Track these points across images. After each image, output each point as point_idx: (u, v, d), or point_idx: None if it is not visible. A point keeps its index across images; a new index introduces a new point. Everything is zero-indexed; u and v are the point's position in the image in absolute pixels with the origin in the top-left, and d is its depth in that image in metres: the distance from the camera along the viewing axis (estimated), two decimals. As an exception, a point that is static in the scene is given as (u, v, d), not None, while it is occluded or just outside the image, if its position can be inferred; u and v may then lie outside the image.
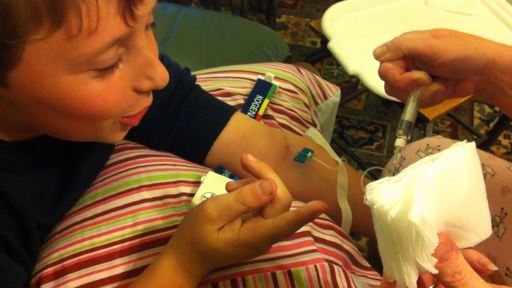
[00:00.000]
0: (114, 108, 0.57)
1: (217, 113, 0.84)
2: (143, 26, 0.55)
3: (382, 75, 0.65)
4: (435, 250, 0.41)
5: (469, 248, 0.47)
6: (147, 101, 0.61)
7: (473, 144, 0.45)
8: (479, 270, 0.45)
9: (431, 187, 0.41)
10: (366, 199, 0.42)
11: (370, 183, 0.42)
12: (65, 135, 0.61)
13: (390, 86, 0.66)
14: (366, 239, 1.65)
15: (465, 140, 0.45)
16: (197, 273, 0.64)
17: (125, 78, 0.56)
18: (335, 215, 0.89)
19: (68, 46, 0.49)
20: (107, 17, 0.49)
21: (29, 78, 0.51)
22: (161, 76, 0.58)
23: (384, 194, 0.41)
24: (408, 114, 0.63)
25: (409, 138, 0.63)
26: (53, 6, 0.46)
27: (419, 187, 0.41)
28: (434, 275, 0.43)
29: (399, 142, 0.62)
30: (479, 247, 0.48)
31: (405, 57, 0.64)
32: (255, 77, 1.00)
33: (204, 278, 0.68)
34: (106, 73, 0.54)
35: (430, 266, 0.41)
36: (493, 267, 0.46)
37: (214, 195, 0.72)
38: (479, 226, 0.46)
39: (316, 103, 1.10)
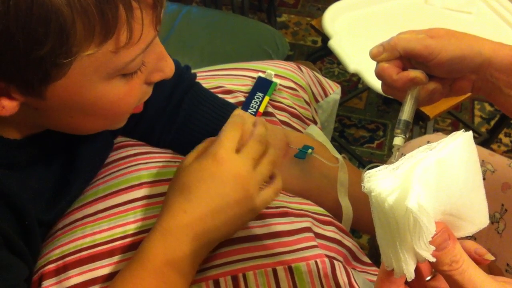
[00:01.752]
0: (133, 104, 0.62)
1: (217, 110, 0.84)
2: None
3: (379, 75, 0.66)
4: (432, 238, 0.42)
5: (466, 238, 0.47)
6: (151, 89, 0.65)
7: (470, 133, 0.45)
8: (477, 261, 0.45)
9: (429, 175, 0.41)
10: (364, 186, 0.42)
11: (368, 171, 0.42)
12: (82, 131, 0.65)
13: (387, 85, 0.67)
14: (367, 237, 1.65)
15: (463, 130, 0.45)
16: (177, 231, 0.65)
17: (142, 75, 0.60)
18: (336, 212, 0.89)
19: (111, 57, 0.51)
20: (146, 27, 0.52)
21: (67, 89, 0.53)
22: (170, 67, 0.63)
23: (382, 182, 0.41)
24: (406, 113, 0.64)
25: (407, 136, 0.63)
26: (107, 23, 0.48)
27: (416, 174, 0.41)
28: (431, 264, 0.44)
29: (397, 140, 0.62)
30: (479, 243, 0.48)
31: (402, 57, 0.64)
32: (255, 74, 1.00)
33: (196, 257, 0.67)
34: (130, 75, 0.57)
35: (427, 254, 0.42)
36: (490, 257, 0.46)
37: None
38: (476, 216, 0.46)
39: (317, 101, 1.11)
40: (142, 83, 0.61)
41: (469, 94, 0.69)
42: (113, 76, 0.55)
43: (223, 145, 0.67)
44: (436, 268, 0.44)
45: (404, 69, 0.65)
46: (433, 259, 0.42)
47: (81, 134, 0.67)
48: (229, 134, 0.68)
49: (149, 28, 0.53)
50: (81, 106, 0.56)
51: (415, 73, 0.63)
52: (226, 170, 0.65)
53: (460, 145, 0.44)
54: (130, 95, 0.59)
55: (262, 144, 0.69)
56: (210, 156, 0.66)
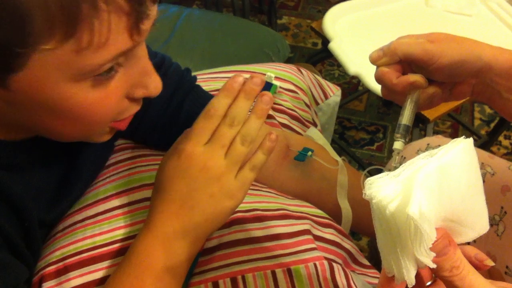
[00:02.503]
0: (108, 115, 0.59)
1: (217, 113, 0.84)
2: (145, 38, 0.56)
3: (379, 79, 0.66)
4: (433, 244, 0.42)
5: (467, 244, 0.47)
6: (137, 107, 0.63)
7: (471, 140, 0.45)
8: (477, 266, 0.45)
9: (430, 182, 0.42)
10: (365, 193, 0.42)
11: (369, 178, 0.42)
12: (56, 136, 0.62)
13: (387, 89, 0.67)
14: (367, 240, 1.65)
15: (463, 136, 0.45)
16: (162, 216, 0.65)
17: (121, 86, 0.57)
18: (335, 214, 0.89)
19: (74, 57, 0.49)
20: (116, 33, 0.50)
21: (30, 83, 0.51)
22: (155, 85, 0.60)
23: (383, 188, 0.41)
24: (406, 117, 0.64)
25: (407, 140, 0.63)
26: (68, 19, 0.47)
27: (417, 181, 0.41)
28: (432, 270, 0.44)
29: (397, 145, 0.62)
30: (479, 245, 0.48)
31: (401, 61, 0.65)
32: (256, 77, 1.01)
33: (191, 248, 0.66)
34: (105, 82, 0.55)
35: (428, 260, 0.42)
36: (490, 263, 0.46)
37: None
38: (477, 222, 0.47)
39: (317, 103, 1.11)
40: (122, 96, 0.59)
41: (466, 98, 0.70)
42: (80, 78, 0.53)
43: (190, 139, 0.65)
44: (436, 274, 0.44)
45: (404, 73, 0.65)
46: (433, 266, 0.42)
47: (60, 140, 0.64)
48: (198, 127, 0.65)
49: (122, 35, 0.51)
50: (48, 106, 0.54)
51: (414, 77, 0.63)
52: (194, 165, 0.64)
53: (461, 152, 0.44)
54: (103, 104, 0.56)
55: (233, 126, 0.65)
56: (177, 153, 0.65)
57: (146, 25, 0.53)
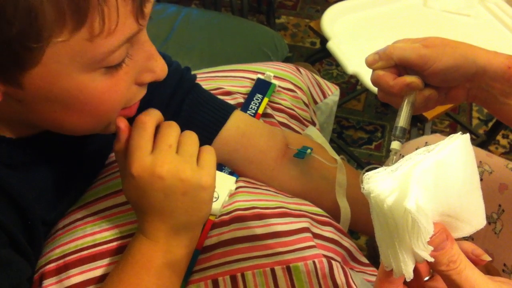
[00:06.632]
0: (119, 102, 0.59)
1: (217, 111, 0.84)
2: (146, 22, 0.56)
3: (375, 82, 0.66)
4: (430, 238, 0.42)
5: (465, 240, 0.48)
6: (144, 91, 0.63)
7: (467, 136, 0.46)
8: (474, 261, 0.46)
9: (427, 177, 0.42)
10: (363, 188, 0.43)
11: (367, 173, 0.43)
12: (70, 130, 0.61)
13: (384, 92, 0.67)
14: (365, 239, 1.66)
15: (460, 132, 0.46)
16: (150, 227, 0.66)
17: (130, 73, 0.58)
18: (334, 213, 0.89)
19: (87, 46, 0.50)
20: (124, 17, 0.51)
21: (44, 78, 0.52)
22: (161, 67, 0.61)
23: (381, 183, 0.42)
24: (402, 119, 0.64)
25: (404, 141, 0.64)
26: (78, 8, 0.47)
27: (415, 176, 0.41)
28: (429, 264, 0.44)
29: (395, 144, 0.62)
30: (477, 243, 0.48)
31: (397, 65, 0.65)
32: (254, 76, 1.01)
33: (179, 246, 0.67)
34: (114, 70, 0.55)
35: (425, 254, 0.42)
36: (486, 258, 0.47)
37: (214, 191, 0.73)
38: (474, 217, 0.47)
39: (315, 102, 1.11)
40: (131, 82, 0.59)
41: (461, 102, 0.70)
42: (94, 68, 0.53)
43: (131, 157, 0.63)
44: (434, 268, 0.45)
45: (399, 76, 0.66)
46: (431, 259, 0.43)
47: (72, 134, 0.63)
48: (134, 142, 0.64)
49: (128, 19, 0.52)
50: (62, 99, 0.54)
51: (411, 79, 0.64)
52: (148, 179, 0.63)
53: (458, 147, 0.44)
54: (114, 90, 0.57)
55: (172, 126, 0.66)
56: (127, 176, 0.64)
57: (148, 8, 0.54)
